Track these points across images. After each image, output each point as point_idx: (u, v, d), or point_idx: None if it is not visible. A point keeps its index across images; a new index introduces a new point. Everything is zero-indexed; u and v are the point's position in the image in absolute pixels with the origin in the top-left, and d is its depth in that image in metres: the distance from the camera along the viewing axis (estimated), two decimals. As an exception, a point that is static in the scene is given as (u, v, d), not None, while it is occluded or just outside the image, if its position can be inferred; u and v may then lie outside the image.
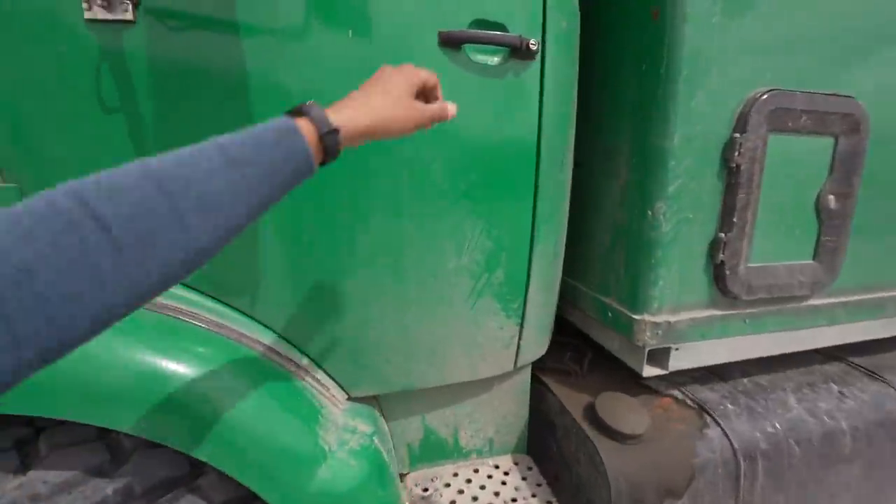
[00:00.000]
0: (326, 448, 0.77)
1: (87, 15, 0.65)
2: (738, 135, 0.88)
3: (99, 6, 0.66)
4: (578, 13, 0.91)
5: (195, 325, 0.74)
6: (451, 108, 0.58)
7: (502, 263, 0.90)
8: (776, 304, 1.02)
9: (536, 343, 1.05)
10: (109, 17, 0.67)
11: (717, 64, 0.85)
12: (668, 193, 0.88)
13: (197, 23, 0.69)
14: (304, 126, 0.42)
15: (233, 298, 0.79)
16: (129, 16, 0.66)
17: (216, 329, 0.76)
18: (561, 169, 0.93)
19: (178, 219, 0.33)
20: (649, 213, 0.90)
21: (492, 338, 0.95)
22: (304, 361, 0.85)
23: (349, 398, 0.92)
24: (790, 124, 0.91)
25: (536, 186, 0.88)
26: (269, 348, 0.81)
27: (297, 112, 0.44)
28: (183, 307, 0.75)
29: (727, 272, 0.94)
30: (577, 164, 0.99)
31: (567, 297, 1.19)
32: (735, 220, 0.92)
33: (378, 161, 0.77)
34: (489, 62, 0.79)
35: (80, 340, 0.30)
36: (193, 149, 0.36)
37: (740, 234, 0.93)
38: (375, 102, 0.48)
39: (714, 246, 0.94)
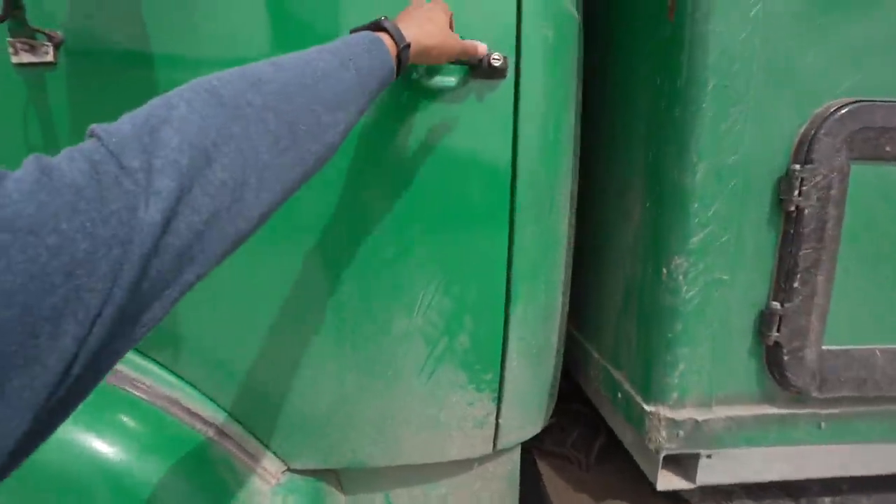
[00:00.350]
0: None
1: (13, 60, 0.64)
2: (797, 166, 0.62)
3: (23, 50, 0.64)
4: (575, 18, 0.73)
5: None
6: (482, 47, 0.60)
7: (466, 327, 0.73)
8: (869, 404, 0.71)
9: (523, 422, 0.85)
10: (34, 59, 0.65)
11: (764, 71, 0.61)
12: (691, 246, 0.65)
13: (116, 59, 0.64)
14: (387, 39, 0.46)
15: (155, 351, 0.72)
16: (49, 58, 0.64)
17: (128, 386, 0.69)
18: (550, 211, 0.74)
19: (313, 113, 0.37)
20: (664, 271, 0.67)
21: (459, 415, 0.77)
22: (234, 428, 0.75)
23: (289, 469, 0.80)
24: (888, 149, 0.63)
25: (511, 234, 0.71)
26: (191, 412, 0.72)
27: (376, 27, 0.47)
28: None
29: (786, 357, 0.67)
30: (587, 201, 0.79)
31: (578, 357, 0.97)
32: (797, 284, 0.65)
33: (312, 203, 0.66)
34: (445, 84, 0.64)
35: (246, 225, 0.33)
36: (304, 54, 0.39)
37: (806, 304, 0.66)
38: (428, 28, 0.51)
39: (765, 320, 0.68)
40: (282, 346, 0.71)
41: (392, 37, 0.47)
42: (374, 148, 0.65)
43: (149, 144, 0.27)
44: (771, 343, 0.67)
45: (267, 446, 0.77)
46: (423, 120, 0.65)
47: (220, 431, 0.73)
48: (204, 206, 0.29)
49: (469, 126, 0.66)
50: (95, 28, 0.62)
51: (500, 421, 0.80)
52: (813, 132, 0.61)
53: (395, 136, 0.66)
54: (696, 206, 0.64)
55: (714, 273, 0.66)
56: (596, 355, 0.91)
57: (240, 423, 0.75)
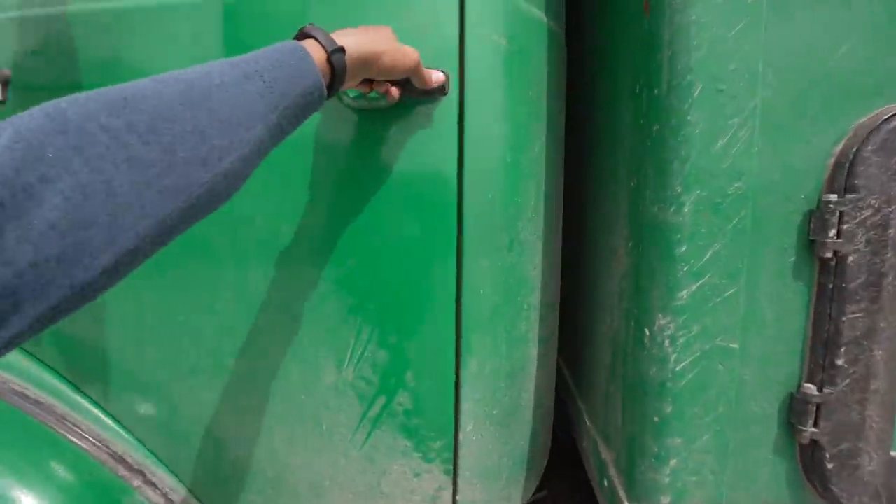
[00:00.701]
0: None
1: (-34, 100, 0.67)
2: (833, 197, 0.45)
3: (-25, 90, 0.67)
4: (542, 22, 0.62)
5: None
6: (438, 76, 0.53)
7: (407, 384, 0.62)
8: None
9: (491, 499, 0.70)
10: (-15, 98, 0.67)
11: (776, 69, 0.45)
12: (678, 303, 0.49)
13: (63, 94, 0.64)
14: (311, 45, 0.40)
15: (87, 386, 0.70)
16: (-1, 96, 0.66)
17: (61, 429, 0.67)
18: (510, 247, 0.61)
19: (200, 135, 0.31)
20: (646, 333, 0.52)
21: (403, 488, 0.66)
22: (163, 475, 0.70)
23: (223, 528, 0.72)
24: None
25: (459, 275, 0.59)
26: (112, 454, 0.68)
27: (302, 36, 0.42)
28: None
29: (830, 463, 0.47)
30: (584, 232, 0.66)
31: (573, 415, 0.80)
32: (842, 362, 0.46)
33: (234, 235, 0.60)
34: (376, 104, 0.56)
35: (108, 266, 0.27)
36: (200, 67, 0.34)
37: (858, 390, 0.46)
38: (373, 34, 0.46)
39: (797, 409, 0.49)
40: (207, 387, 0.65)
41: (319, 42, 0.40)
42: (299, 175, 0.59)
43: None
44: (807, 441, 0.48)
45: (198, 499, 0.71)
46: (353, 144, 0.58)
47: (147, 480, 0.68)
48: (19, 256, 0.24)
49: (406, 150, 0.57)
50: (42, 64, 0.64)
51: (457, 498, 0.67)
52: (855, 149, 0.44)
53: (321, 162, 0.58)
54: (684, 249, 0.48)
55: (715, 339, 0.49)
56: (587, 421, 0.74)
57: (170, 470, 0.70)
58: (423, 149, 0.57)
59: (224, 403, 0.65)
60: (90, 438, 0.67)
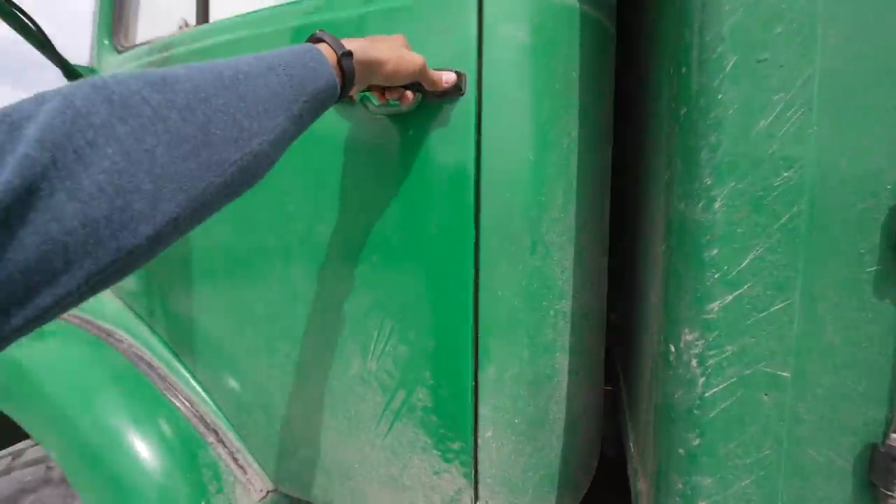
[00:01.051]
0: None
1: None
2: (931, 189, 0.34)
3: None
4: (577, 8, 0.58)
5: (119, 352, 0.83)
6: (448, 76, 0.54)
7: (426, 381, 0.63)
8: None
9: (517, 512, 0.67)
10: None
11: (837, 31, 0.36)
12: (708, 316, 0.41)
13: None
14: (324, 48, 0.44)
15: (183, 355, 0.84)
16: None
17: (146, 369, 0.82)
18: (532, 252, 0.58)
19: (231, 116, 0.33)
20: (671, 349, 0.44)
21: (425, 483, 0.66)
22: (230, 434, 0.81)
23: (276, 490, 0.81)
24: None
25: (477, 279, 0.58)
26: (196, 413, 0.81)
27: (314, 40, 0.45)
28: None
29: (928, 546, 0.35)
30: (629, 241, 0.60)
31: (622, 426, 0.72)
32: (948, 411, 0.34)
33: (273, 234, 0.69)
34: (395, 110, 0.58)
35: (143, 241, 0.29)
36: (225, 60, 0.36)
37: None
38: (379, 44, 0.49)
39: (881, 466, 0.37)
40: (261, 366, 0.74)
41: (330, 46, 0.43)
42: (331, 177, 0.64)
43: (5, 142, 0.24)
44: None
45: (258, 462, 0.81)
46: (378, 148, 0.61)
47: (219, 439, 0.80)
48: (69, 213, 0.25)
49: (426, 151, 0.58)
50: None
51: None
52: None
53: (350, 166, 0.63)
54: (714, 252, 0.40)
55: (757, 364, 0.40)
56: (632, 446, 0.66)
57: (237, 433, 0.81)
58: (441, 149, 0.57)
59: (273, 382, 0.73)
60: (182, 398, 0.82)
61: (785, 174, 0.38)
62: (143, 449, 0.75)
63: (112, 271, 0.27)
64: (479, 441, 0.62)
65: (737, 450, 0.41)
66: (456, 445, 0.63)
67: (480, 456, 0.63)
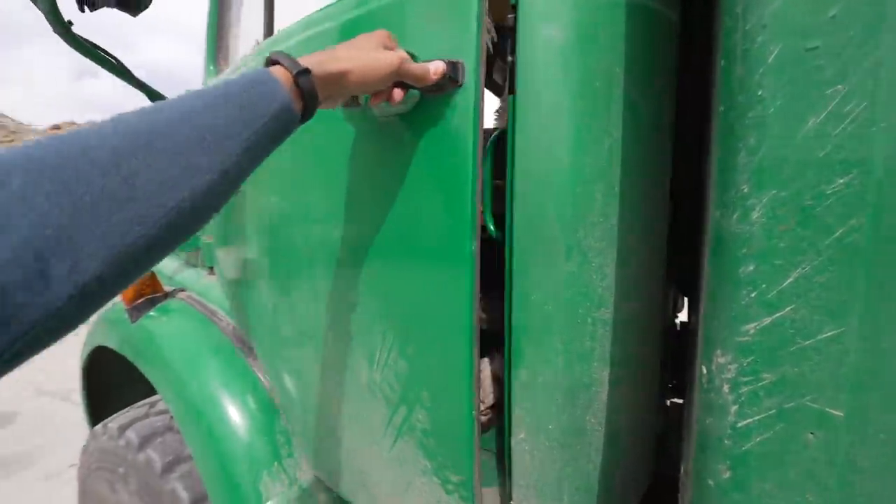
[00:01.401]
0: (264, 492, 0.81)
1: None
2: None
3: None
4: (622, 0, 0.54)
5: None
6: (436, 67, 0.51)
7: (424, 402, 0.62)
8: None
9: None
10: None
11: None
12: (743, 339, 0.37)
13: None
14: (277, 71, 0.42)
15: (260, 340, 0.97)
16: None
17: (239, 345, 0.96)
18: (567, 258, 0.56)
19: (173, 157, 0.33)
20: (703, 370, 0.41)
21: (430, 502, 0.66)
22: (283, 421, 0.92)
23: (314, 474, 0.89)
24: None
25: (511, 285, 0.58)
26: (271, 389, 0.93)
27: (269, 63, 0.44)
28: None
29: None
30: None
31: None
32: None
33: (299, 242, 0.74)
34: (392, 111, 0.57)
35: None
36: (157, 104, 0.36)
37: None
38: (341, 53, 0.47)
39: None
40: (298, 360, 0.81)
41: (284, 67, 0.42)
42: (342, 185, 0.65)
43: None
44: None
45: (303, 442, 0.89)
46: (386, 152, 0.61)
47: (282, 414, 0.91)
48: None
49: (422, 150, 0.57)
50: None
51: (513, 508, 0.65)
52: None
53: (358, 172, 0.64)
54: (751, 269, 0.36)
55: (802, 398, 0.35)
56: (682, 468, 0.61)
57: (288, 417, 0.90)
58: (439, 147, 0.56)
59: (302, 378, 0.80)
60: (261, 374, 0.94)
61: (840, 180, 0.32)
62: (234, 413, 0.89)
63: (36, 335, 0.27)
64: (512, 442, 0.63)
65: (773, 490, 0.37)
66: (456, 478, 0.61)
67: (514, 458, 0.63)
